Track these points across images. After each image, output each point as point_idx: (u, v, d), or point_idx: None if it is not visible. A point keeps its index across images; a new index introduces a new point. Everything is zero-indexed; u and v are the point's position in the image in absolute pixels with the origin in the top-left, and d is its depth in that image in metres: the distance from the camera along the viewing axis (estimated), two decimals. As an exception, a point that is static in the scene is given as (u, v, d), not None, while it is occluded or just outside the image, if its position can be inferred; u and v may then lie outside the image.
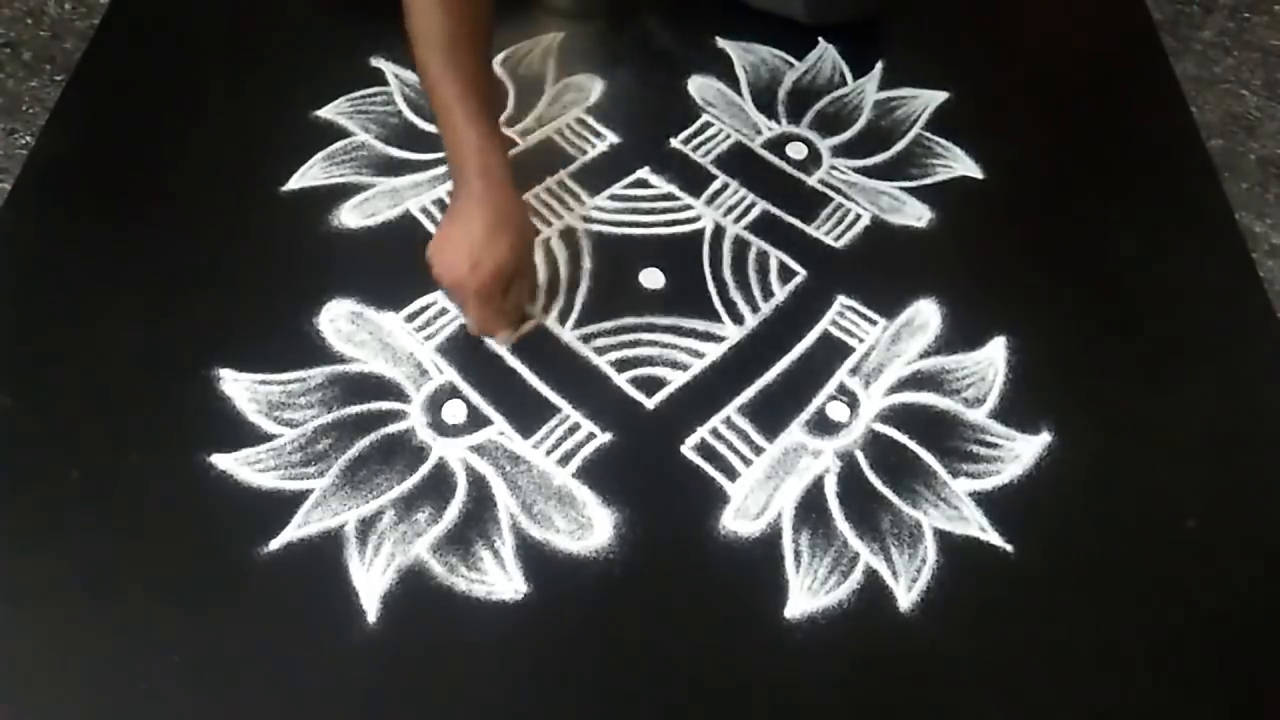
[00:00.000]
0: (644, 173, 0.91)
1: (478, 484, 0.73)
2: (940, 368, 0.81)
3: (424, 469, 0.73)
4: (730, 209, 0.90)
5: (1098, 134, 1.00)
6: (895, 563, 0.71)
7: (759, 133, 0.96)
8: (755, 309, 0.83)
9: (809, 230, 0.89)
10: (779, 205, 0.90)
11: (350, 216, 0.86)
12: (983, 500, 0.75)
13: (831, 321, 0.83)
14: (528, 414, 0.76)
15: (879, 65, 1.03)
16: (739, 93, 0.99)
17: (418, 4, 0.75)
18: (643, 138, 0.94)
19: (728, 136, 0.95)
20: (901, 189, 0.93)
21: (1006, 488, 0.76)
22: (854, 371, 0.81)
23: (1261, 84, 1.08)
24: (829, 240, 0.89)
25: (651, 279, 0.84)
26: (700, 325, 0.82)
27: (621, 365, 0.79)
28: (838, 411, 0.78)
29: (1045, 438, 0.78)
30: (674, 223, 0.89)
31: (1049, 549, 0.73)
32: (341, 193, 0.87)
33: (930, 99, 1.00)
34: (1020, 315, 0.85)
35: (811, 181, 0.93)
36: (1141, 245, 0.91)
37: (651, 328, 0.81)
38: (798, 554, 0.71)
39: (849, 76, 1.02)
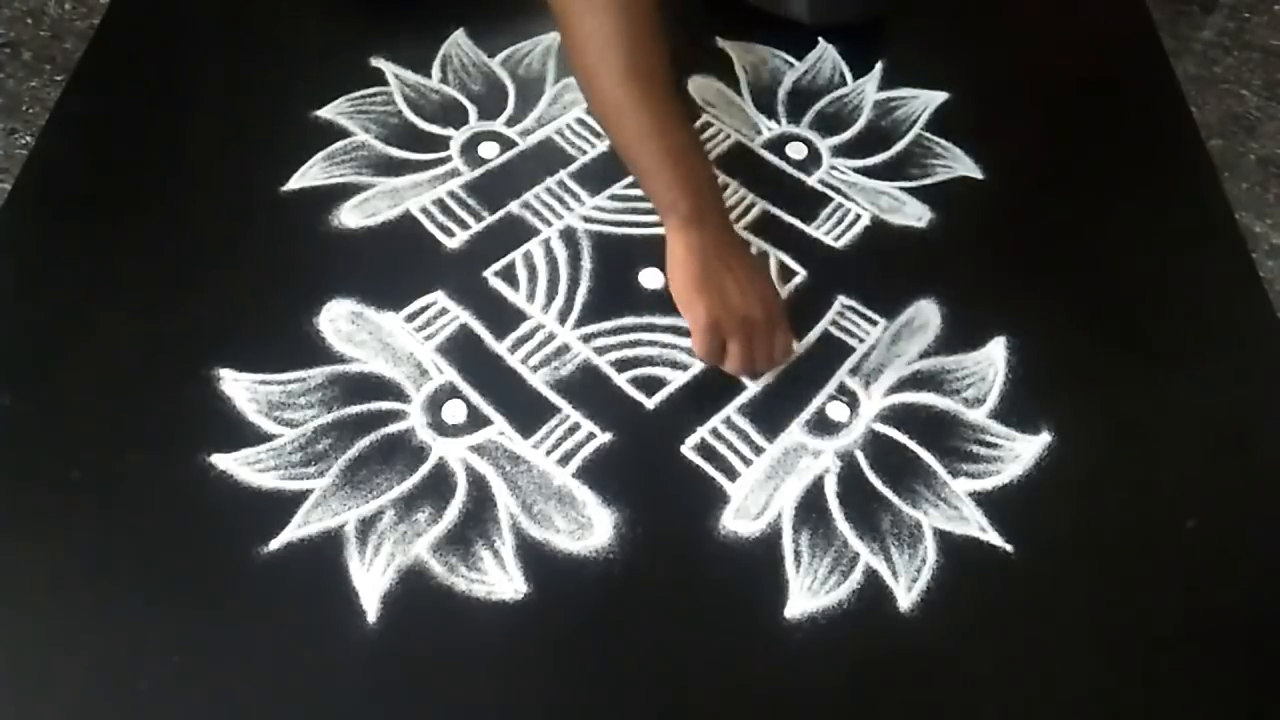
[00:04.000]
0: (644, 173, 0.91)
1: (478, 484, 0.73)
2: (940, 368, 0.81)
3: (424, 469, 0.73)
4: (730, 209, 0.89)
5: (1098, 134, 1.00)
6: (895, 563, 0.71)
7: (759, 133, 0.96)
8: (755, 309, 0.83)
9: (809, 230, 0.89)
10: (779, 205, 0.90)
11: (350, 216, 0.86)
12: (983, 500, 0.75)
13: (831, 321, 0.83)
14: (528, 414, 0.76)
15: (879, 65, 1.03)
16: (739, 93, 0.99)
17: (637, 53, 0.76)
18: (643, 138, 0.94)
19: (728, 136, 0.95)
20: (901, 189, 0.93)
21: (1006, 488, 0.76)
22: (854, 371, 0.81)
23: (1261, 84, 1.08)
24: (829, 240, 0.89)
25: (651, 279, 0.84)
26: (700, 325, 0.82)
27: (621, 365, 0.79)
28: (838, 411, 0.78)
29: (1045, 438, 0.78)
30: (674, 223, 0.88)
31: (1049, 549, 0.73)
32: (341, 193, 0.87)
33: (930, 99, 1.00)
34: (1020, 315, 0.85)
35: (811, 181, 0.93)
36: (1141, 245, 0.91)
37: (651, 328, 0.81)
38: (798, 554, 0.71)
39: (849, 76, 1.02)
